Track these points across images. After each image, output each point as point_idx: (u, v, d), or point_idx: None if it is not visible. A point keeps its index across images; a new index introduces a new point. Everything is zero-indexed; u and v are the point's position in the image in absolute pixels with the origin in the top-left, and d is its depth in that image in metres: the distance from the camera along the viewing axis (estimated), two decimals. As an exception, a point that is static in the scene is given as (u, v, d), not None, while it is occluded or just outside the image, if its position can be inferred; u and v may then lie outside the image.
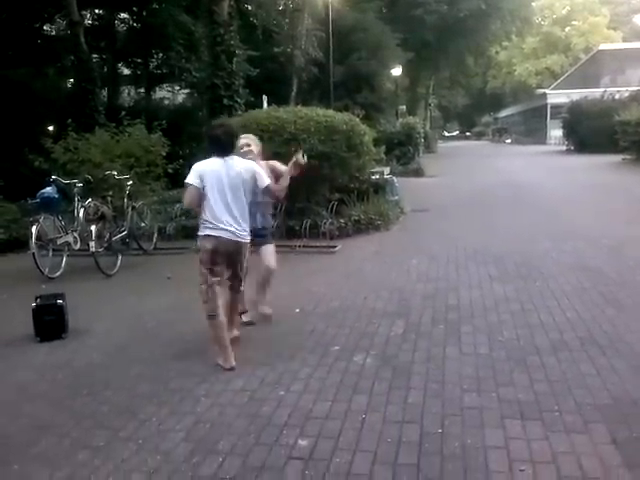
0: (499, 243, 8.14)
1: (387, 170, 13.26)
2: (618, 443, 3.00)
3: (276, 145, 8.35)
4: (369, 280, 6.43)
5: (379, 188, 10.36)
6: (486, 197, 13.33)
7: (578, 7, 56.12)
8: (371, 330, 4.80)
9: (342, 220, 8.81)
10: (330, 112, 9.42)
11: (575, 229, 8.93)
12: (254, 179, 4.33)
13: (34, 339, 4.97)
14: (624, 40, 52.69)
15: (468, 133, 76.95)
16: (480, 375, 3.87)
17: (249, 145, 4.92)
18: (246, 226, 4.30)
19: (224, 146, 4.29)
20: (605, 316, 4.95)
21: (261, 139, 8.35)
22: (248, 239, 4.34)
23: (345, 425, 3.30)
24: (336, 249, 7.94)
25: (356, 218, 8.94)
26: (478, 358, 4.16)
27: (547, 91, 44.08)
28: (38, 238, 7.04)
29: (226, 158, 4.26)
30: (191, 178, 4.21)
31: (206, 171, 4.24)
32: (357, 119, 9.37)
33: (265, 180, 4.39)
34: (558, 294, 5.60)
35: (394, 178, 11.75)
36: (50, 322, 5.00)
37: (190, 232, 8.98)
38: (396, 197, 10.90)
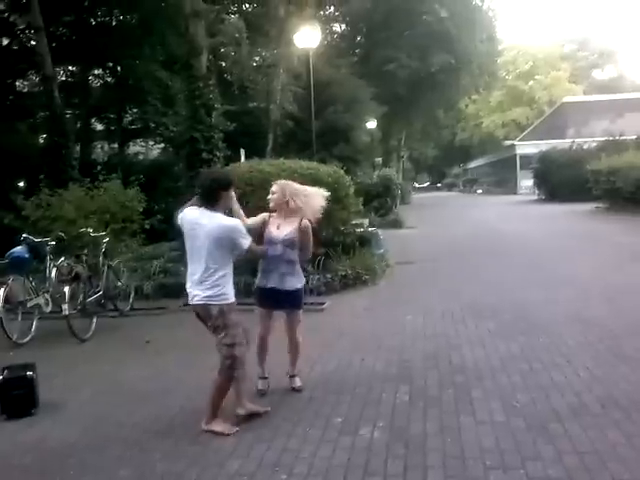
0: (490, 295, 7.90)
1: (366, 222, 13.07)
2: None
3: (259, 199, 8.08)
4: (364, 339, 6.06)
5: (364, 241, 10.10)
6: (468, 247, 13.19)
7: (540, 62, 58.38)
8: (374, 397, 4.42)
9: (328, 275, 8.48)
10: (314, 164, 9.22)
11: (564, 278, 8.76)
12: (230, 240, 3.88)
13: (0, 416, 4.47)
14: (585, 93, 54.78)
15: (439, 184, 78.18)
16: (502, 447, 3.52)
17: (273, 193, 4.56)
18: (209, 287, 3.86)
19: (202, 193, 3.97)
20: (619, 374, 4.68)
21: (244, 194, 8.28)
22: (212, 301, 3.87)
23: (361, 515, 2.90)
24: (324, 306, 7.58)
25: (343, 273, 8.60)
26: (495, 427, 3.80)
27: (516, 142, 45.13)
28: (6, 301, 6.53)
29: (203, 208, 3.93)
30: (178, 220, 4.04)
31: (184, 217, 4.00)
32: (341, 171, 9.20)
33: (243, 243, 3.91)
34: (565, 350, 5.32)
35: (379, 231, 11.53)
36: (18, 397, 4.51)
37: (169, 291, 8.58)
38: (381, 250, 10.64)
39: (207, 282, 3.87)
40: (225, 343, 3.92)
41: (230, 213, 4.21)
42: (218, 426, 3.96)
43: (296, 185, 4.62)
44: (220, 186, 3.97)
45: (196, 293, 3.92)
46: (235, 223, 3.97)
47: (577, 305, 7.00)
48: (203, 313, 3.96)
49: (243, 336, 4.00)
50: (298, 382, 4.67)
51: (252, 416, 4.12)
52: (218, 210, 3.94)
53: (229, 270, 3.97)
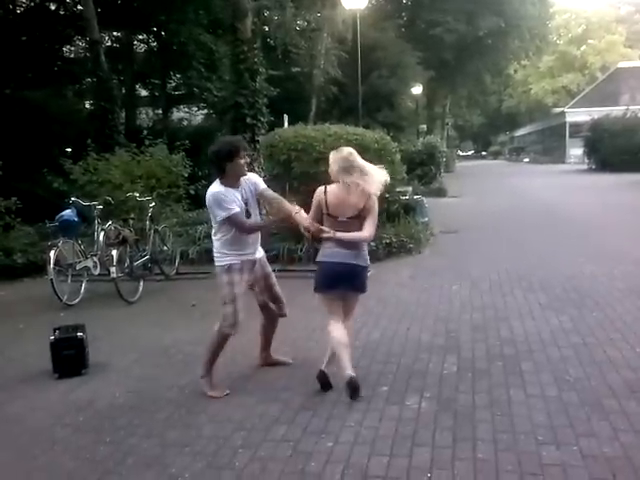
0: (539, 266, 7.67)
1: (409, 190, 12.84)
2: None
3: (304, 165, 8.01)
4: (409, 308, 5.98)
5: (409, 209, 9.94)
6: (514, 218, 12.87)
7: (594, 26, 56.01)
8: (421, 367, 4.35)
9: (372, 243, 8.36)
10: (360, 130, 9.05)
11: (616, 251, 8.43)
12: (210, 209, 4.12)
13: (52, 375, 4.58)
14: (641, 58, 52.34)
15: (484, 152, 76.44)
16: (554, 423, 3.40)
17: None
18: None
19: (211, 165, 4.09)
20: (679, 351, 4.47)
21: (288, 159, 8.22)
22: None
23: (410, 487, 2.86)
24: (369, 274, 7.47)
25: (387, 241, 8.50)
26: (547, 402, 3.69)
27: (566, 109, 43.67)
28: (56, 263, 6.70)
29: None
30: None
31: None
32: (388, 137, 9.00)
33: (218, 214, 3.98)
34: (620, 325, 5.12)
35: (423, 199, 11.32)
36: (69, 357, 4.61)
37: (214, 256, 8.63)
38: (426, 219, 10.45)
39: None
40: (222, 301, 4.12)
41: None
42: (212, 390, 4.08)
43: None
44: (220, 158, 3.91)
45: None
46: (211, 193, 3.94)
47: (632, 280, 6.72)
48: None
49: (231, 296, 4.07)
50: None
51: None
52: (229, 180, 3.95)
53: (224, 235, 4.02)
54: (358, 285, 4.06)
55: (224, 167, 3.89)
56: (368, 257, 4.12)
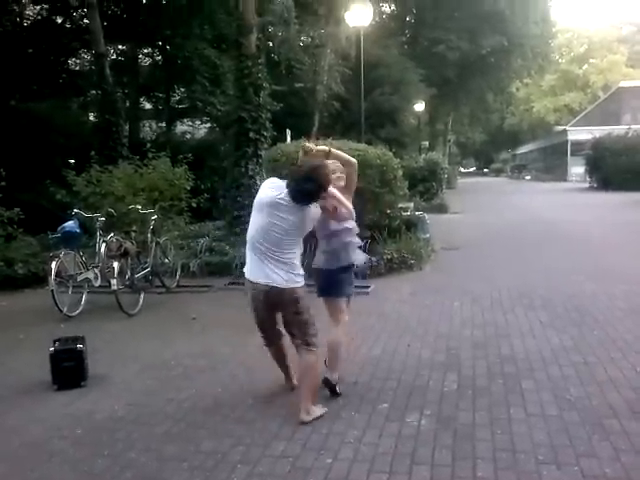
0: (540, 284, 7.66)
1: (411, 206, 12.88)
2: None
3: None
4: (410, 325, 5.97)
5: (410, 225, 9.95)
6: (516, 235, 12.87)
7: (596, 45, 56.43)
8: (421, 384, 4.34)
9: (374, 259, 8.38)
10: (362, 146, 9.08)
11: (619, 270, 8.41)
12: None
13: (51, 387, 4.56)
14: (643, 78, 52.57)
15: (486, 169, 76.62)
16: (554, 442, 3.39)
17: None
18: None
19: (295, 195, 3.67)
20: (680, 371, 4.46)
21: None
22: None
23: (409, 505, 2.84)
24: (369, 289, 7.50)
25: (389, 256, 8.51)
26: (548, 421, 3.67)
27: (568, 128, 43.84)
28: (58, 274, 6.70)
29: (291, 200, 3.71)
30: None
31: (268, 194, 3.83)
32: (390, 153, 9.04)
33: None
34: (621, 344, 5.10)
35: (425, 215, 11.34)
36: (69, 369, 4.60)
37: (214, 269, 8.67)
38: (427, 235, 10.46)
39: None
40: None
41: None
42: (317, 410, 3.85)
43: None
44: (315, 199, 3.72)
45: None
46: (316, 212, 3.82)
47: (633, 299, 6.70)
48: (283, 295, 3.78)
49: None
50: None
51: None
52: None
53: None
54: (318, 288, 4.19)
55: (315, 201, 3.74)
56: (329, 260, 4.11)
